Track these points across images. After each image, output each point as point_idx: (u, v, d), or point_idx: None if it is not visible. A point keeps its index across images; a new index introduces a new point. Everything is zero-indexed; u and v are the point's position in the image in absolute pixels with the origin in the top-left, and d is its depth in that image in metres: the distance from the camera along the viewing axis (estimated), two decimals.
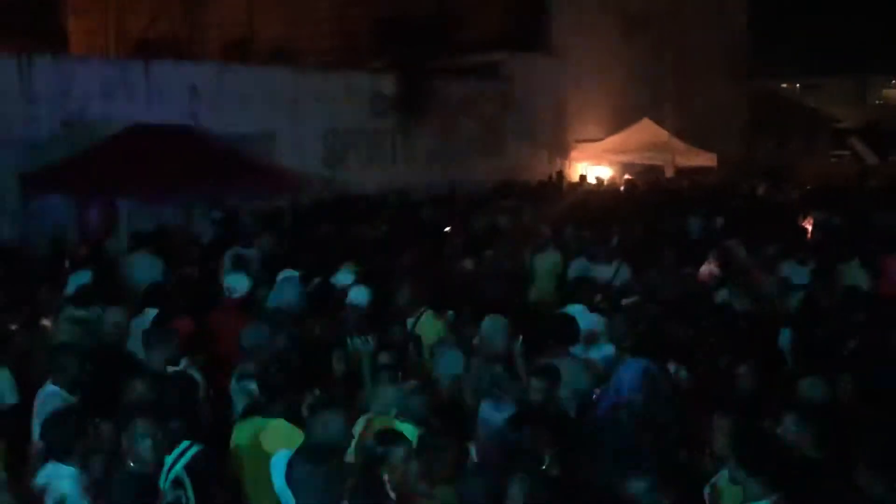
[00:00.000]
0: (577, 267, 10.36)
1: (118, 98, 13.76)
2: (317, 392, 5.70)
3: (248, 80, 15.85)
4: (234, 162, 12.59)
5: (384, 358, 6.25)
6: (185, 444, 4.85)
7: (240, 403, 5.89)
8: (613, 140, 23.03)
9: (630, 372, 6.13)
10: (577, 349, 6.98)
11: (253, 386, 5.62)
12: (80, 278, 8.56)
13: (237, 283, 8.07)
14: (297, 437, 4.97)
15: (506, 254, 11.13)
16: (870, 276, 9.74)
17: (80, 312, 7.67)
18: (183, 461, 4.77)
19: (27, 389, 6.31)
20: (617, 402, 5.96)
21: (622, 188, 21.34)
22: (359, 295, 7.68)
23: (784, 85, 39.72)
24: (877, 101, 40.93)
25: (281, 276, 8.70)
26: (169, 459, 4.77)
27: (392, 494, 4.51)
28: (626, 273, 10.03)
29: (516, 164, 21.35)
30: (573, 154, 23.56)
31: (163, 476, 4.75)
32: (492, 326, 6.93)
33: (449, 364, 6.74)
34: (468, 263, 10.54)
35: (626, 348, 6.77)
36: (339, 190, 16.60)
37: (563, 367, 6.24)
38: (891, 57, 35.23)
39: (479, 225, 13.60)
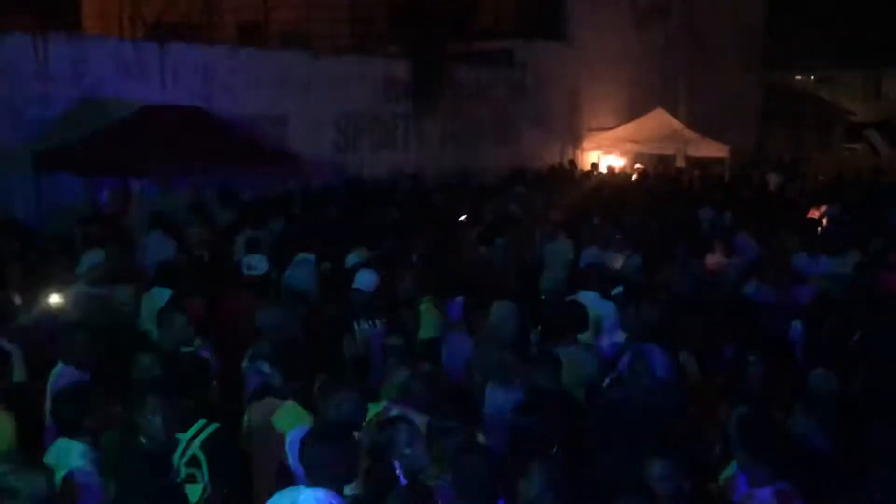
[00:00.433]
0: (588, 255, 10.38)
1: (132, 78, 13.77)
2: (326, 375, 5.71)
3: (262, 63, 15.84)
4: (246, 145, 12.64)
5: (393, 341, 6.25)
6: (202, 422, 4.87)
7: (252, 383, 5.92)
8: (626, 129, 22.98)
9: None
10: (586, 336, 6.99)
11: (266, 367, 5.64)
12: (92, 258, 8.59)
13: (257, 262, 8.11)
14: (310, 419, 4.99)
15: (517, 241, 11.13)
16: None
17: (93, 290, 7.72)
18: (200, 439, 4.80)
19: (39, 367, 6.35)
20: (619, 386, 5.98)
21: (633, 177, 21.30)
22: (365, 279, 7.69)
23: (798, 77, 39.45)
24: (892, 96, 40.60)
25: (297, 259, 8.73)
26: (185, 437, 4.80)
27: (403, 479, 4.52)
28: (636, 262, 10.03)
29: (529, 151, 21.32)
30: (585, 142, 23.52)
31: (178, 453, 4.77)
32: (501, 312, 6.92)
33: (458, 349, 6.78)
34: (481, 250, 10.54)
35: (637, 336, 6.77)
36: (350, 174, 16.62)
37: (569, 353, 6.25)
38: None
39: (491, 212, 13.60)
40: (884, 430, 4.77)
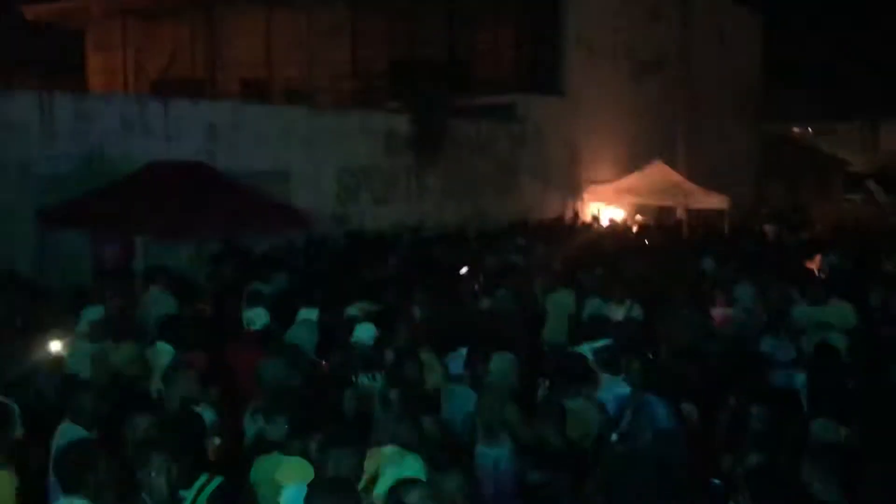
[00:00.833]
0: (591, 306, 10.40)
1: (137, 135, 13.92)
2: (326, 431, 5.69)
3: (264, 118, 16.02)
4: (249, 200, 12.70)
5: (393, 394, 6.25)
6: (204, 477, 4.85)
7: (254, 438, 5.89)
8: (626, 181, 23.12)
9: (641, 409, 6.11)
10: (591, 388, 6.97)
11: (266, 421, 5.62)
12: (91, 313, 8.60)
13: (256, 317, 8.12)
14: (312, 474, 4.96)
15: (519, 292, 11.15)
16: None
17: (93, 347, 7.73)
18: (205, 494, 4.78)
19: (38, 422, 6.32)
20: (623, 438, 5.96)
21: (634, 229, 21.39)
22: (364, 332, 7.68)
23: (796, 129, 39.80)
24: (890, 146, 40.91)
25: (300, 315, 8.74)
26: (190, 494, 4.77)
27: None
28: (638, 312, 10.06)
29: (529, 203, 21.45)
30: (586, 194, 23.67)
31: None
32: (501, 364, 6.92)
33: (460, 402, 6.76)
34: (483, 302, 10.55)
35: (640, 387, 6.76)
36: (352, 227, 16.71)
37: (575, 406, 6.23)
38: None
39: (493, 263, 13.64)
40: (881, 476, 4.75)
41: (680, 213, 22.60)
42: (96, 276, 11.73)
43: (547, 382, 7.14)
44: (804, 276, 12.84)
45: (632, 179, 22.96)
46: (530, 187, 21.80)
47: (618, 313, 10.00)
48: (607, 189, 23.39)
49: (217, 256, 12.54)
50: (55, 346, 7.83)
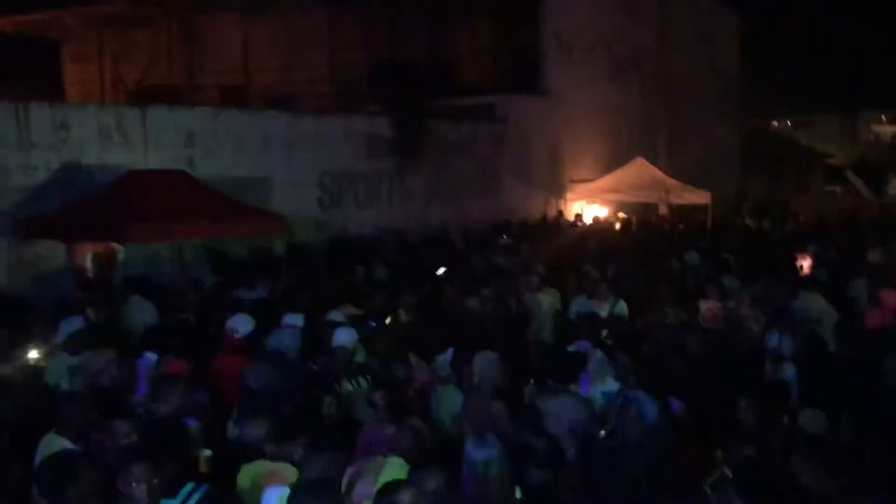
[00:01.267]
0: (578, 304, 10.41)
1: (114, 144, 13.79)
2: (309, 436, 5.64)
3: (244, 124, 15.91)
4: (230, 207, 12.64)
5: (377, 398, 6.20)
6: (190, 485, 4.79)
7: (238, 445, 5.82)
8: (607, 179, 23.17)
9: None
10: (579, 386, 6.96)
11: (251, 428, 5.57)
12: (71, 325, 8.50)
13: (239, 325, 8.06)
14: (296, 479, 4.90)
15: (504, 293, 11.13)
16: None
17: (73, 359, 7.65)
18: (191, 502, 4.71)
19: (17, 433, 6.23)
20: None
21: (617, 226, 21.42)
22: (343, 336, 7.65)
23: (776, 123, 40.03)
24: (868, 138, 41.21)
25: (285, 321, 8.67)
26: (176, 503, 4.70)
27: None
28: (623, 310, 10.07)
29: (512, 203, 21.42)
30: (568, 193, 23.68)
31: None
32: (484, 363, 6.89)
33: (448, 403, 6.73)
34: (470, 303, 10.52)
35: (631, 384, 6.75)
36: (335, 232, 16.63)
37: (560, 404, 6.21)
38: (881, 93, 35.57)
39: (478, 264, 13.61)
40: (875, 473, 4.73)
41: (662, 210, 22.64)
42: (75, 287, 11.59)
43: (533, 381, 7.11)
44: (789, 268, 12.87)
45: (613, 177, 23.01)
46: (513, 187, 21.79)
47: (603, 310, 10.00)
48: (589, 187, 23.43)
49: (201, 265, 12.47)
50: (34, 357, 7.72)
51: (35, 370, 7.66)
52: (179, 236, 12.00)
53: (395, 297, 10.36)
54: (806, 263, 13.88)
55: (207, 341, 8.79)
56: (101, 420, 5.90)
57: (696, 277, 12.51)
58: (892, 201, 30.06)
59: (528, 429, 5.78)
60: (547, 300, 10.97)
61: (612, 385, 7.10)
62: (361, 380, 7.06)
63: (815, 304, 9.69)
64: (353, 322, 8.52)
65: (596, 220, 22.61)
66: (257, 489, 5.08)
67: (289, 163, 16.32)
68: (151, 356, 7.57)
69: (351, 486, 5.05)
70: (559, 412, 6.10)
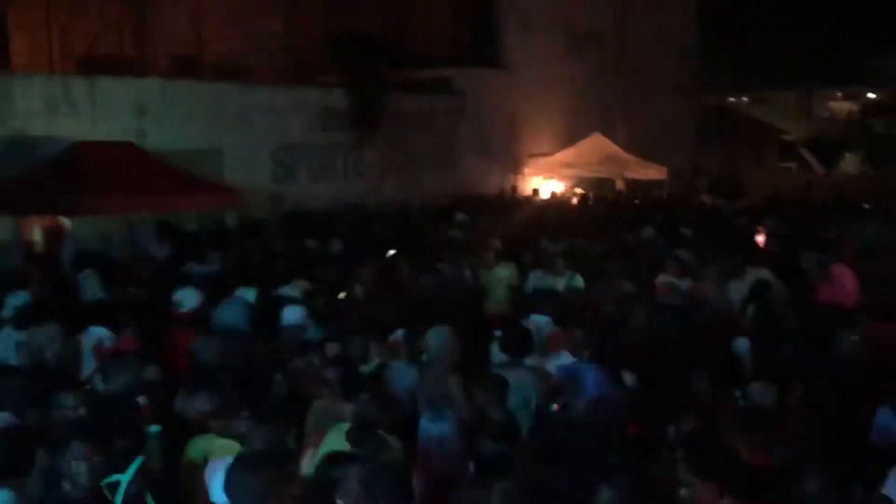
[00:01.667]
0: (534, 278, 10.41)
1: (62, 115, 13.47)
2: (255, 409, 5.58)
3: (195, 95, 15.64)
4: (180, 179, 12.45)
5: (329, 374, 6.14)
6: (140, 460, 4.69)
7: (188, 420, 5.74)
8: (565, 154, 23.18)
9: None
10: (533, 359, 6.96)
11: (194, 403, 5.49)
12: (16, 299, 8.32)
13: (185, 298, 7.95)
14: None
15: (460, 267, 11.10)
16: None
17: (20, 334, 7.47)
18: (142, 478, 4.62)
19: None
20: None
21: (574, 201, 21.48)
22: (291, 314, 7.58)
23: (732, 99, 40.31)
24: (823, 115, 41.69)
25: (232, 295, 8.55)
26: (125, 478, 4.60)
27: None
28: (579, 283, 10.11)
29: (470, 178, 21.36)
30: (525, 168, 23.67)
31: (119, 495, 4.56)
32: (437, 338, 6.87)
33: (402, 378, 6.69)
34: (423, 279, 10.47)
35: (585, 358, 6.77)
36: (290, 205, 16.44)
37: (514, 376, 6.22)
38: (836, 71, 35.98)
39: (434, 239, 13.55)
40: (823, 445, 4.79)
41: (619, 185, 22.74)
42: (23, 261, 11.34)
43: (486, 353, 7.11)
44: (745, 242, 12.99)
45: (570, 152, 23.04)
46: (470, 162, 21.72)
47: (559, 284, 10.00)
48: (547, 162, 23.43)
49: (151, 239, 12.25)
50: None
51: None
52: (129, 210, 11.81)
53: (350, 272, 10.29)
54: (761, 238, 14.03)
55: (158, 316, 8.65)
56: (44, 394, 5.78)
57: (651, 252, 12.56)
58: (843, 178, 30.52)
59: (491, 401, 5.76)
60: (502, 275, 10.96)
61: (566, 358, 7.12)
62: (314, 357, 6.97)
63: (763, 278, 9.76)
64: (306, 297, 8.43)
65: (553, 195, 22.64)
66: (206, 464, 5.02)
67: (241, 135, 16.08)
68: (98, 331, 7.46)
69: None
70: (513, 385, 6.10)
